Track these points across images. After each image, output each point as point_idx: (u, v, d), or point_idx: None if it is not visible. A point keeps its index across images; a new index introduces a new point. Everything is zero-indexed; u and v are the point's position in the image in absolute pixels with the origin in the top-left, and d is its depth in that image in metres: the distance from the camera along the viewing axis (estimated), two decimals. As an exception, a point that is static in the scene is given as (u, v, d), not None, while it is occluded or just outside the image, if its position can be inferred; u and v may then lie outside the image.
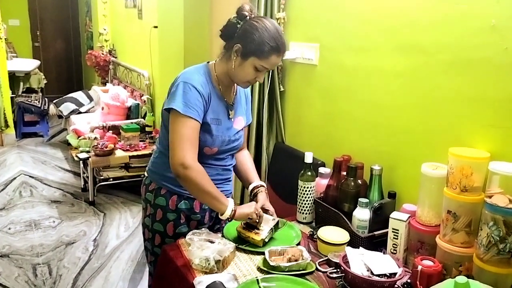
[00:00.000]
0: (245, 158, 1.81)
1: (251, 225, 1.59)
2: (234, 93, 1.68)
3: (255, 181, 1.74)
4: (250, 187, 1.71)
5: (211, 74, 1.58)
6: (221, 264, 1.40)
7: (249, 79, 1.54)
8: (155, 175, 1.67)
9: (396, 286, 1.33)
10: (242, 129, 1.71)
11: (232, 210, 1.51)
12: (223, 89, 1.61)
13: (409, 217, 1.50)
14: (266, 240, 1.57)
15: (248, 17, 1.49)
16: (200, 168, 1.49)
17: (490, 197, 1.25)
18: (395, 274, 1.32)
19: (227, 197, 1.75)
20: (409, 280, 1.35)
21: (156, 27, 3.96)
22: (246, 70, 1.51)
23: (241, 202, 2.50)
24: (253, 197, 1.73)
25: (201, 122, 1.51)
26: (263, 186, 1.73)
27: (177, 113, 1.47)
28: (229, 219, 1.54)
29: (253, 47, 1.47)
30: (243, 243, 1.58)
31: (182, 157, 1.45)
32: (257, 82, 1.89)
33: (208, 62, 1.63)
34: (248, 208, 1.57)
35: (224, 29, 1.54)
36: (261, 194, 1.69)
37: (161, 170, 1.65)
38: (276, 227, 1.62)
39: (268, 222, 1.60)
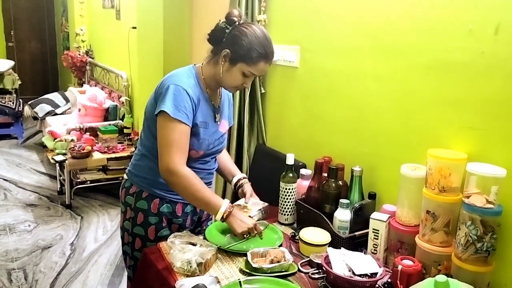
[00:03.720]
0: (223, 155, 1.81)
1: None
2: (220, 96, 1.67)
3: (238, 174, 1.74)
4: (234, 179, 1.71)
5: (199, 77, 1.57)
6: (203, 267, 1.39)
7: (237, 85, 1.54)
8: (137, 178, 1.64)
9: (377, 285, 1.34)
10: (225, 132, 1.70)
11: (224, 213, 1.48)
12: (210, 92, 1.60)
13: (389, 217, 1.52)
14: (255, 218, 1.57)
15: (237, 23, 1.48)
16: (187, 173, 1.47)
17: (468, 197, 1.28)
18: (376, 274, 1.34)
19: None
20: (389, 280, 1.37)
21: (134, 28, 3.91)
22: (234, 76, 1.50)
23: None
24: (238, 188, 1.73)
25: (190, 126, 1.49)
26: (246, 177, 1.73)
27: (166, 116, 1.44)
28: (222, 220, 1.52)
29: (242, 53, 1.46)
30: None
31: (167, 164, 1.44)
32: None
33: (195, 64, 1.62)
34: (247, 221, 1.52)
35: (212, 34, 1.53)
36: (247, 185, 1.69)
37: (142, 173, 1.63)
38: (265, 210, 1.63)
39: (257, 205, 1.61)
